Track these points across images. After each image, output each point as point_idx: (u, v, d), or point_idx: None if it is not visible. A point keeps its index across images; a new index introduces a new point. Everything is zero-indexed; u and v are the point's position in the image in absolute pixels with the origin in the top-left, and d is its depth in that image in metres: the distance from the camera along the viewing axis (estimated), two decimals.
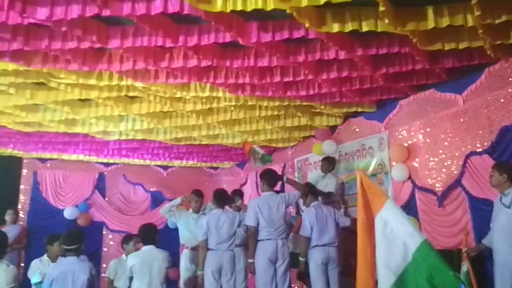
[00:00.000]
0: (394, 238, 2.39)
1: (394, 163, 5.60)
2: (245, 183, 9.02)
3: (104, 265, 7.81)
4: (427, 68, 4.55)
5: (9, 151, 7.80)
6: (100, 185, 9.07)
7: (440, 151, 5.03)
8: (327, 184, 6.06)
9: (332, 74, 4.60)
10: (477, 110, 4.67)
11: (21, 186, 8.51)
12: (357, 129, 6.41)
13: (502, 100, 4.43)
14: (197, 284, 5.61)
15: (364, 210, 2.73)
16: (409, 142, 5.47)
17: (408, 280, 2.29)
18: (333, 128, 6.77)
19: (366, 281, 2.63)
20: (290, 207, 6.91)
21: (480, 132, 4.61)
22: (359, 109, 6.00)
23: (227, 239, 5.06)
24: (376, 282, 2.69)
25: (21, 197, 8.46)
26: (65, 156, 8.38)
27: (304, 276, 5.74)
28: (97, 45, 3.91)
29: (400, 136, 5.63)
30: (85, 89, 5.03)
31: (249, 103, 5.53)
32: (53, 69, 4.44)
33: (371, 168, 6.00)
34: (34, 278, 5.05)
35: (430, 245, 2.36)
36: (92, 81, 4.69)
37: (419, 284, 2.22)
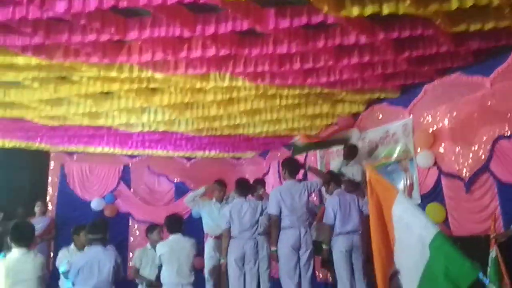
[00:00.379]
0: (411, 232, 2.32)
1: (419, 149, 5.48)
2: (267, 173, 9.01)
3: (131, 255, 7.96)
4: (452, 50, 4.41)
5: (36, 145, 7.99)
6: (125, 177, 9.22)
7: (467, 136, 4.88)
8: (353, 173, 5.99)
9: (353, 59, 4.50)
10: (505, 92, 4.50)
11: (49, 179, 8.73)
12: (380, 116, 6.29)
13: None
14: (221, 272, 5.67)
15: (375, 207, 2.66)
16: (435, 127, 5.34)
17: (429, 276, 2.17)
18: (355, 116, 6.66)
19: (381, 281, 2.59)
20: (313, 196, 6.88)
21: (509, 115, 4.45)
22: (382, 95, 5.88)
23: (249, 228, 5.07)
24: (389, 279, 2.62)
25: (49, 190, 8.68)
26: (90, 149, 8.53)
27: (328, 264, 5.72)
28: (116, 37, 3.93)
29: (425, 121, 5.49)
30: (106, 82, 5.08)
31: (269, 92, 5.48)
32: (74, 63, 4.49)
33: (395, 155, 5.90)
34: (61, 267, 5.17)
35: (444, 236, 2.27)
36: (113, 74, 4.74)
37: (438, 279, 2.13)
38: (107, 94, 5.74)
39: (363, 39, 4.04)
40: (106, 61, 4.38)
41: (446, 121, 5.17)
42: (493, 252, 3.84)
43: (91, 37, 3.89)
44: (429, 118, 5.43)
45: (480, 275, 2.14)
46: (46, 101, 5.71)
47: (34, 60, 4.43)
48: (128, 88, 5.27)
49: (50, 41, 3.95)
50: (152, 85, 5.26)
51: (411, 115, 5.71)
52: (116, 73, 4.73)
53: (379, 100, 6.18)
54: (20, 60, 4.44)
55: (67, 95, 5.45)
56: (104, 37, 3.93)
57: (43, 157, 8.63)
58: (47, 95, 5.39)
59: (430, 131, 5.35)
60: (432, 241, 2.22)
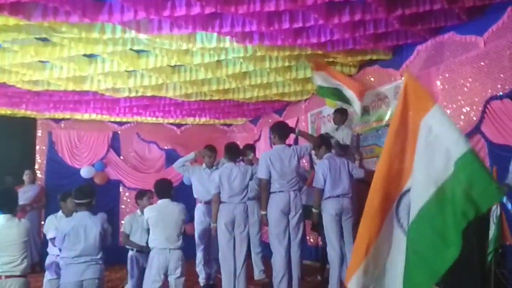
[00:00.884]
0: (439, 144, 2.05)
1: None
2: (258, 139, 8.94)
3: (122, 222, 7.93)
4: (446, 8, 4.27)
5: (22, 112, 7.83)
6: (114, 144, 9.13)
7: (459, 97, 4.80)
8: (343, 137, 5.93)
9: (344, 17, 4.35)
10: (499, 52, 4.39)
11: (37, 147, 8.61)
12: (372, 79, 6.18)
13: None
14: (211, 237, 5.67)
15: (400, 116, 2.32)
16: (427, 89, 5.23)
17: (447, 190, 2.01)
18: None
19: (375, 192, 2.43)
20: (303, 160, 6.84)
21: (502, 75, 4.36)
22: (374, 57, 5.74)
23: (239, 192, 5.03)
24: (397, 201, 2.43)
25: (38, 158, 8.57)
26: (78, 116, 8.38)
27: (318, 227, 5.73)
28: None
29: None
30: (89, 43, 4.91)
31: (258, 53, 5.33)
32: (54, 23, 4.30)
33: (386, 118, 5.82)
34: (49, 234, 5.15)
35: (476, 155, 2.03)
36: (95, 35, 4.56)
37: (456, 194, 1.95)
38: (90, 58, 5.57)
39: None
40: (87, 20, 4.19)
41: (438, 83, 5.08)
42: (498, 209, 3.77)
43: None
44: (421, 79, 5.32)
45: (504, 199, 2.11)
46: (27, 64, 5.54)
47: (12, 21, 4.23)
48: (112, 51, 5.10)
49: None
50: (136, 47, 5.10)
51: (403, 77, 5.58)
52: (98, 34, 4.55)
53: (371, 63, 6.06)
54: None
55: (48, 58, 5.27)
56: None
57: (30, 124, 8.49)
58: (28, 58, 5.21)
59: None
60: (460, 158, 2.02)
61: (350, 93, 5.68)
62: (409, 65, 5.53)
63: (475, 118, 4.59)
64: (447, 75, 4.98)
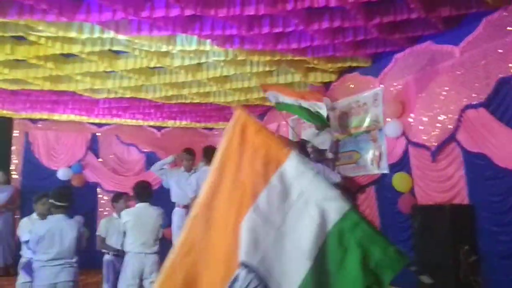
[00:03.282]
0: (306, 205, 1.47)
1: (388, 119, 5.46)
2: None
3: None
4: (423, 17, 4.34)
5: None
6: (93, 146, 9.00)
7: (435, 105, 4.88)
8: (323, 141, 5.95)
9: (323, 24, 4.39)
10: (474, 61, 4.48)
11: (13, 147, 8.43)
12: (351, 85, 6.24)
13: (500, 51, 4.23)
14: None
15: (228, 171, 1.60)
16: (404, 97, 5.31)
17: (328, 260, 1.43)
18: (327, 85, 6.59)
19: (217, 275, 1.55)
20: None
21: (477, 84, 4.44)
22: (354, 64, 5.81)
23: None
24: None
25: (14, 158, 8.39)
26: (55, 116, 8.24)
27: None
28: None
29: (395, 91, 5.47)
30: (66, 42, 4.85)
31: (239, 57, 5.33)
32: (30, 21, 4.24)
33: (365, 125, 5.88)
34: (23, 237, 5.03)
35: (360, 214, 1.50)
36: (73, 34, 4.51)
37: (346, 268, 1.40)
38: (68, 57, 5.49)
39: (333, 2, 3.90)
40: (64, 19, 4.14)
41: (415, 91, 5.14)
42: None
43: None
44: (399, 87, 5.40)
45: (411, 264, 1.50)
46: (3, 63, 5.44)
47: None
48: (90, 51, 5.04)
49: None
50: (115, 48, 5.04)
51: (382, 85, 5.67)
52: (76, 34, 4.50)
53: (350, 70, 6.12)
54: None
55: (25, 57, 5.17)
56: None
57: (6, 124, 8.30)
58: (3, 56, 5.11)
59: (399, 100, 5.33)
60: (341, 219, 1.44)
61: (310, 103, 5.65)
62: (387, 73, 5.60)
63: (450, 127, 4.67)
64: (424, 83, 5.05)
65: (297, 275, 1.44)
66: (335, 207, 1.46)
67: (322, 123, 5.72)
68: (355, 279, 1.37)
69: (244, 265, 1.44)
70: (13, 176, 8.26)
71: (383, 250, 1.41)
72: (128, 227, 4.65)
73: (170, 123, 9.17)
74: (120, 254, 5.40)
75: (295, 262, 1.43)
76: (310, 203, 1.49)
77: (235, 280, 1.45)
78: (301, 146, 5.43)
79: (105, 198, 8.86)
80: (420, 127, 5.04)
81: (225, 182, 1.61)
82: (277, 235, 1.48)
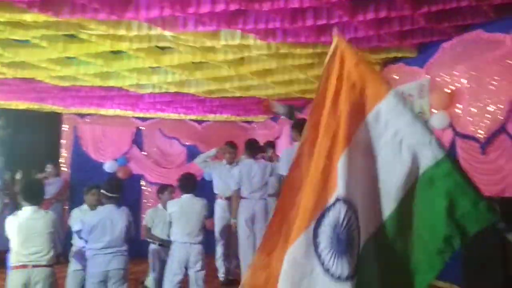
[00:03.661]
0: (399, 146, 1.43)
1: (434, 110, 5.34)
2: (279, 137, 8.95)
3: (143, 215, 8.07)
4: (473, 5, 4.20)
5: (48, 106, 8.03)
6: (138, 140, 9.29)
7: (485, 96, 4.72)
8: None
9: (368, 15, 4.32)
10: None
11: (63, 141, 8.81)
12: (396, 77, 6.12)
13: None
14: (231, 232, 5.72)
15: (330, 95, 1.56)
16: (452, 87, 5.17)
17: (413, 208, 1.42)
18: None
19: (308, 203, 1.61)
20: None
21: None
22: (399, 55, 5.69)
23: (259, 188, 5.06)
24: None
25: (63, 152, 8.77)
26: (103, 111, 8.56)
27: None
28: None
29: (442, 81, 5.32)
30: (115, 40, 5.00)
31: (281, 51, 5.34)
32: (82, 19, 4.40)
33: None
34: (75, 226, 5.27)
35: (454, 163, 1.43)
36: (122, 31, 4.64)
37: (431, 214, 1.38)
38: (116, 54, 5.67)
39: None
40: (114, 17, 4.27)
41: (464, 81, 5.00)
42: None
43: None
44: (447, 78, 5.25)
45: (498, 221, 1.45)
46: (55, 60, 5.67)
47: (41, 17, 4.35)
48: (137, 47, 5.18)
49: None
50: (161, 44, 5.17)
51: (428, 75, 5.53)
52: (125, 31, 4.63)
53: (395, 60, 6.00)
54: (28, 17, 4.35)
55: (76, 55, 5.39)
56: None
57: (55, 119, 8.69)
58: (56, 54, 5.34)
59: (447, 91, 5.19)
60: (432, 166, 1.38)
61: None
62: (433, 63, 5.46)
63: (501, 117, 4.51)
64: (473, 73, 4.89)
65: (382, 215, 1.47)
66: (428, 153, 1.46)
67: None
68: (437, 226, 1.38)
69: (344, 200, 1.49)
70: (62, 169, 8.64)
71: (472, 203, 1.41)
72: (174, 218, 4.80)
73: (210, 117, 9.32)
74: (165, 244, 5.59)
75: (382, 202, 1.48)
76: (403, 145, 1.50)
77: (326, 211, 1.53)
78: None
79: (149, 189, 9.14)
80: (469, 118, 4.90)
81: (324, 113, 1.60)
82: (369, 173, 1.51)
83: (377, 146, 1.57)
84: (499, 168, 4.54)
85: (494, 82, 4.62)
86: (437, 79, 5.38)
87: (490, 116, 4.66)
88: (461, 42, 5.07)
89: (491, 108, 4.66)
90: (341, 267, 1.42)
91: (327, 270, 1.49)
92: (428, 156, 1.47)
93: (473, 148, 4.82)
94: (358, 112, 1.55)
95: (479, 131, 4.76)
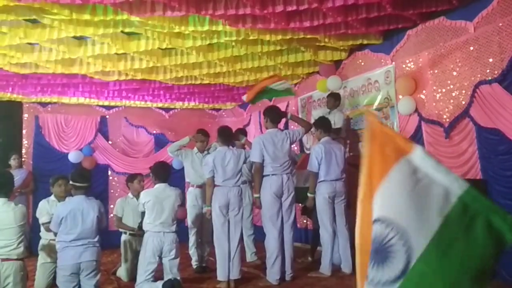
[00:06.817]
0: (430, 183, 1.58)
1: (400, 96, 5.48)
2: (248, 124, 8.96)
3: (111, 206, 7.94)
4: None
5: (8, 95, 7.69)
6: (102, 129, 9.04)
7: (449, 82, 4.89)
8: (335, 121, 5.99)
9: (337, 1, 4.36)
10: (488, 37, 4.47)
11: (24, 131, 8.48)
12: (362, 63, 6.24)
13: None
14: (203, 220, 5.71)
15: (372, 158, 1.73)
16: (417, 74, 5.32)
17: (453, 227, 1.53)
18: (337, 63, 6.59)
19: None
20: (293, 145, 6.90)
21: (491, 60, 4.45)
22: (365, 41, 5.79)
23: (233, 176, 5.06)
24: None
25: (25, 142, 8.45)
26: (65, 100, 8.27)
27: (308, 211, 5.83)
28: None
29: (407, 68, 5.47)
30: (79, 25, 4.83)
31: (251, 37, 5.33)
32: (44, 3, 4.23)
33: (376, 103, 5.90)
34: (42, 218, 5.14)
35: (477, 190, 1.63)
36: (86, 16, 4.49)
37: (473, 230, 1.52)
38: (80, 40, 5.49)
39: None
40: (78, 1, 4.13)
41: (428, 67, 5.15)
42: None
43: None
44: (411, 64, 5.40)
45: None
46: (16, 47, 5.44)
47: (1, 2, 4.15)
48: (103, 33, 5.04)
49: None
50: (128, 30, 5.05)
51: (393, 62, 5.67)
52: (90, 16, 4.49)
53: (361, 47, 6.11)
54: None
55: (38, 41, 5.17)
56: None
57: (16, 108, 8.34)
58: (17, 40, 5.11)
59: (412, 77, 5.34)
60: (463, 194, 1.59)
61: (274, 84, 5.64)
62: (399, 50, 5.60)
63: (464, 102, 4.69)
64: (437, 59, 5.05)
65: (427, 235, 1.53)
66: (457, 184, 1.59)
67: (290, 94, 6.01)
68: (483, 240, 1.49)
69: (379, 220, 1.55)
70: (25, 160, 8.32)
71: (502, 218, 1.55)
72: (148, 207, 4.74)
73: (178, 104, 9.20)
74: (136, 234, 5.53)
75: (423, 224, 1.58)
76: (434, 182, 1.63)
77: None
78: (324, 122, 5.41)
79: (116, 179, 8.97)
80: (433, 104, 5.07)
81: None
82: (407, 198, 1.58)
83: (411, 182, 1.73)
84: (462, 151, 4.73)
85: (458, 68, 4.79)
86: (403, 65, 5.52)
87: (453, 101, 4.84)
88: (425, 29, 5.21)
89: (454, 93, 4.83)
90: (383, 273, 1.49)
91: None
92: (458, 187, 1.64)
93: (438, 132, 4.99)
94: (391, 157, 1.66)
95: (444, 115, 4.94)
